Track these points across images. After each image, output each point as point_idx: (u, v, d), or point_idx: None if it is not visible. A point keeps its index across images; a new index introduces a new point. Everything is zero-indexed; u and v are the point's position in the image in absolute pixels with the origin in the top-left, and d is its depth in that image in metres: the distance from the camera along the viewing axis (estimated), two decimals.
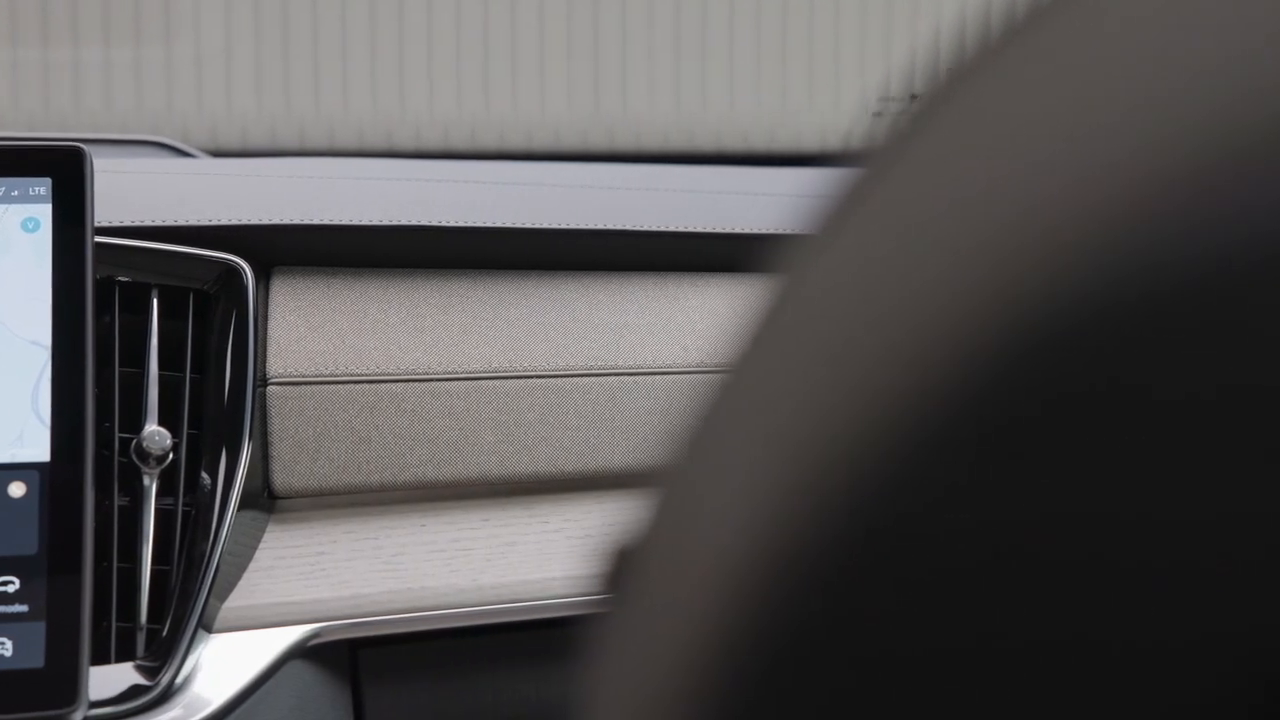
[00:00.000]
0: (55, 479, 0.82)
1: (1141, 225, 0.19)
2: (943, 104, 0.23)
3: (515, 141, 1.62)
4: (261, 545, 0.91)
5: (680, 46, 1.64)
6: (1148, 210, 0.19)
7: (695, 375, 1.02)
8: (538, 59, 1.62)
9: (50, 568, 0.81)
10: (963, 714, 0.20)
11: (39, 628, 0.80)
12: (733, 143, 1.65)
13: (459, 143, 1.66)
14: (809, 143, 1.68)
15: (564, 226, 1.02)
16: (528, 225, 1.01)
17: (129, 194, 0.96)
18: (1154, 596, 0.19)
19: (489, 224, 1.00)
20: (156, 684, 0.83)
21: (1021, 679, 0.20)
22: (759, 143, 1.66)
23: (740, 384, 0.25)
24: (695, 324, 1.04)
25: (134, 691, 0.83)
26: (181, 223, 0.94)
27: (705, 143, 1.63)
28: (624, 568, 0.27)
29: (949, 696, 0.20)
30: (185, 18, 1.61)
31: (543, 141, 1.62)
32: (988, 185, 0.21)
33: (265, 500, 0.92)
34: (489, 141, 1.65)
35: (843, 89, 1.70)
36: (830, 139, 1.70)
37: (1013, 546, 0.20)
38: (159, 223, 0.94)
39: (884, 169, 0.24)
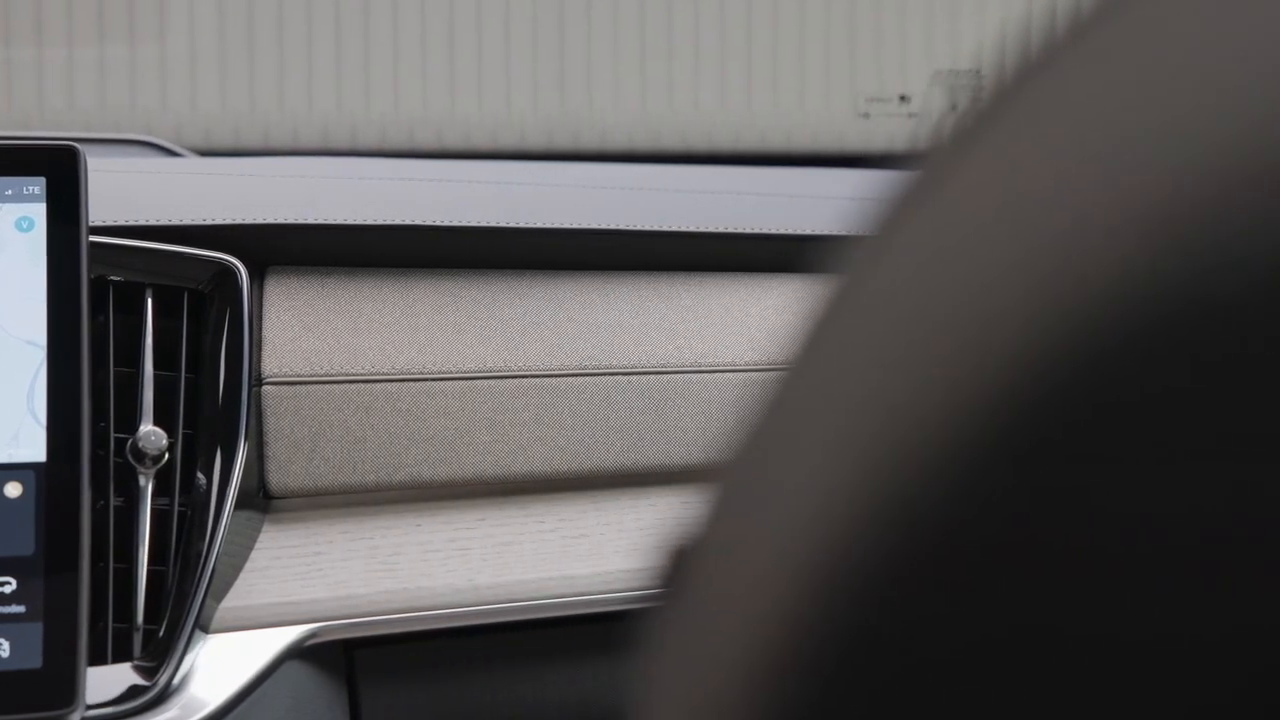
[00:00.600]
0: (51, 479, 0.82)
1: (1214, 225, 0.19)
2: (1006, 103, 0.23)
3: (508, 141, 1.62)
4: (257, 545, 0.91)
5: (673, 48, 1.64)
6: (1220, 210, 0.19)
7: (689, 375, 1.02)
8: (531, 59, 1.62)
9: (47, 568, 0.81)
10: (1025, 712, 0.20)
11: (36, 628, 0.80)
12: (725, 142, 1.65)
13: (452, 142, 1.65)
14: (799, 143, 1.68)
15: (558, 226, 1.02)
16: (522, 225, 1.01)
17: (120, 193, 0.96)
18: (1234, 590, 0.19)
19: (483, 224, 1.00)
20: (154, 684, 0.83)
21: (1089, 678, 0.20)
22: (750, 142, 1.66)
23: (800, 386, 0.25)
24: (689, 323, 1.04)
25: (131, 692, 0.83)
26: (175, 222, 0.94)
27: (698, 142, 1.63)
28: (680, 567, 0.27)
29: (1012, 696, 0.20)
30: (180, 17, 1.60)
31: (536, 141, 1.62)
32: (1056, 185, 0.21)
33: (260, 500, 0.92)
34: (481, 141, 1.65)
35: (833, 89, 1.71)
36: (821, 139, 1.70)
37: (1086, 545, 0.20)
38: (153, 222, 0.94)
39: (947, 170, 0.24)
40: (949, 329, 0.21)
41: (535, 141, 1.62)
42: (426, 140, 1.66)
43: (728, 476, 0.26)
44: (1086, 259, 0.20)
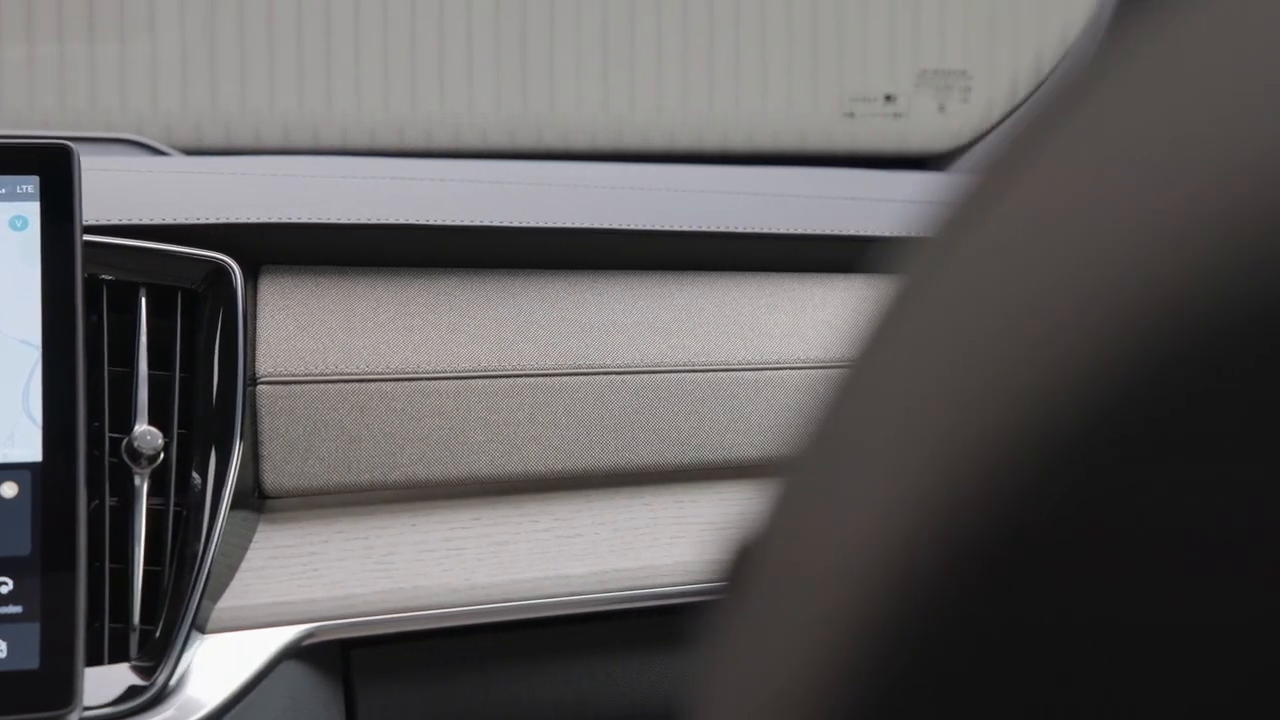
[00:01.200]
0: (48, 479, 0.82)
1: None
2: (1080, 100, 0.23)
3: (499, 140, 1.62)
4: (253, 545, 0.91)
5: (661, 48, 1.64)
6: None
7: (683, 374, 1.02)
8: (519, 58, 1.62)
9: (44, 568, 0.80)
10: (1113, 707, 0.20)
11: (33, 629, 0.79)
12: (713, 142, 1.65)
13: (441, 141, 1.65)
14: (786, 142, 1.68)
15: (554, 225, 1.02)
16: (517, 224, 1.01)
17: (111, 193, 0.95)
18: None
19: (478, 223, 1.00)
20: (152, 684, 0.83)
21: (1161, 672, 0.20)
22: (737, 142, 1.66)
23: (866, 383, 0.25)
24: (682, 323, 1.04)
25: (129, 693, 0.83)
26: (168, 221, 0.94)
27: (686, 142, 1.63)
28: (743, 564, 0.27)
29: (1082, 694, 0.20)
30: (171, 15, 1.60)
31: (525, 141, 1.62)
32: (1130, 183, 0.21)
33: (255, 500, 0.92)
34: (471, 140, 1.65)
35: (818, 89, 1.71)
36: (808, 139, 1.70)
37: (1161, 540, 0.20)
38: (146, 221, 0.93)
39: (1019, 169, 0.24)
40: (1022, 327, 0.21)
41: (524, 141, 1.61)
42: (416, 140, 1.65)
43: (792, 473, 0.26)
44: (1160, 258, 0.20)
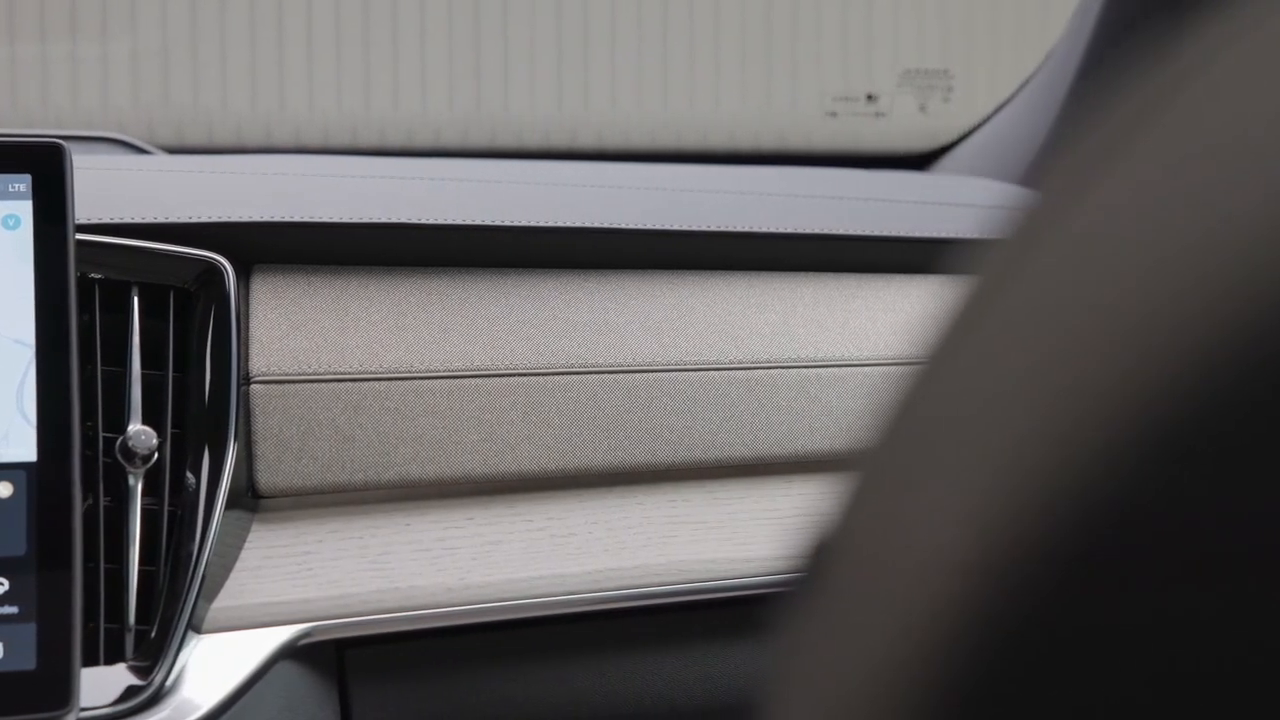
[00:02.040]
0: (43, 478, 0.81)
1: None
2: (1166, 101, 0.23)
3: (479, 140, 1.62)
4: (247, 545, 0.90)
5: (642, 48, 1.64)
6: None
7: (675, 373, 1.02)
8: (501, 58, 1.62)
9: (40, 569, 0.80)
10: (1205, 708, 0.20)
11: (30, 629, 0.79)
12: (693, 141, 1.65)
13: (423, 141, 1.65)
14: (768, 142, 1.69)
15: (544, 224, 1.02)
16: (508, 223, 1.01)
17: (99, 191, 0.95)
18: None
19: (469, 222, 1.00)
20: (149, 684, 0.82)
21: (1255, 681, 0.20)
22: (719, 142, 1.66)
23: (953, 378, 0.25)
24: (673, 321, 1.04)
25: (126, 693, 0.82)
26: (160, 220, 0.93)
27: (666, 141, 1.63)
28: (821, 562, 0.26)
29: (1170, 700, 0.20)
30: (153, 12, 1.59)
31: (506, 141, 1.62)
32: (1224, 177, 0.21)
33: (249, 499, 0.92)
34: (452, 139, 1.65)
35: (800, 89, 1.71)
36: (790, 139, 1.71)
37: (1261, 544, 0.20)
38: (137, 220, 0.93)
39: (1110, 163, 0.24)
40: (1118, 318, 0.21)
41: (505, 141, 1.61)
42: (397, 139, 1.65)
43: (870, 468, 0.26)
44: (1262, 248, 0.20)
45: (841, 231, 1.12)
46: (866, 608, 0.24)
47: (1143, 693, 0.21)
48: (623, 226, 1.05)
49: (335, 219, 0.97)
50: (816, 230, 1.11)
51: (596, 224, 1.04)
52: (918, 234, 1.15)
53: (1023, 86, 1.54)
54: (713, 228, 1.07)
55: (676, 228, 1.06)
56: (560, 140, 1.61)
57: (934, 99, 1.72)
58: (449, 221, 0.99)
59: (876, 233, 1.14)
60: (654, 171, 1.21)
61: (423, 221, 0.99)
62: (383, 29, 1.64)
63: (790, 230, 1.10)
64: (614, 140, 1.62)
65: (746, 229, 1.08)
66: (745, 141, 1.67)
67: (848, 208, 1.17)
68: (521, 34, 1.63)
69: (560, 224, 1.02)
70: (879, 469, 0.26)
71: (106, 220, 0.92)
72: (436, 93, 1.63)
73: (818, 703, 0.25)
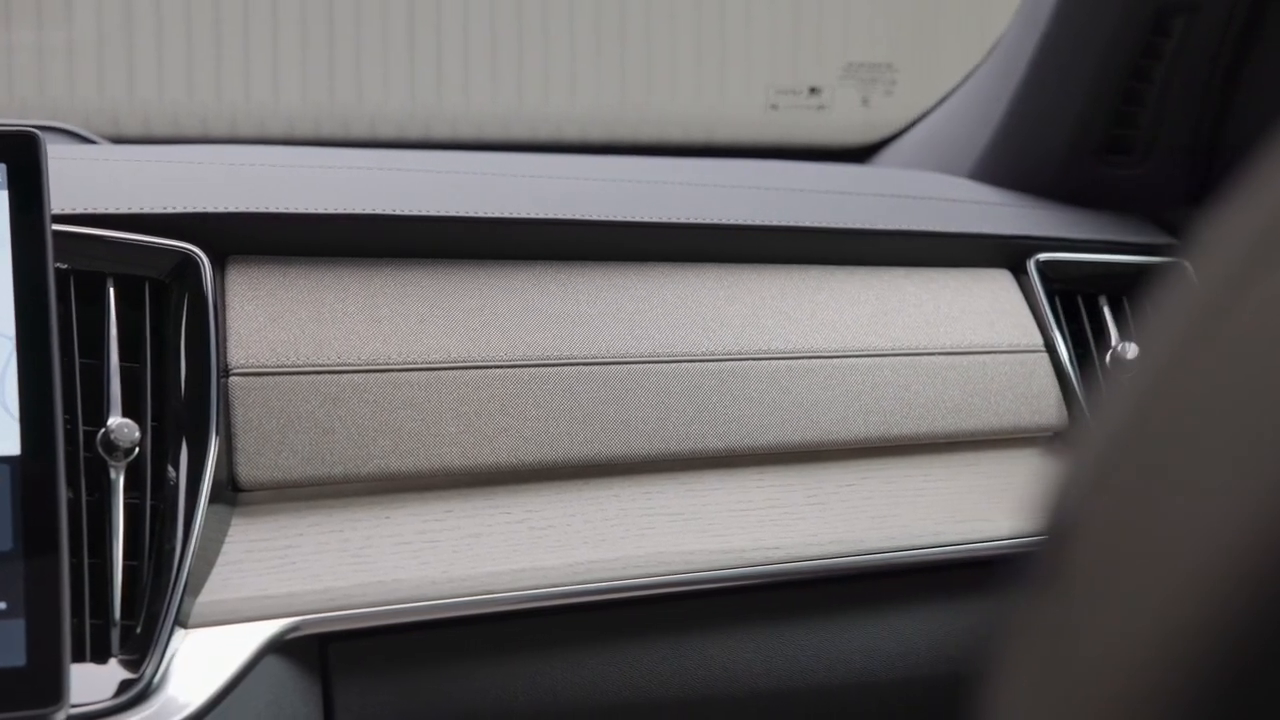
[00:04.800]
0: (27, 472, 0.80)
1: None
2: None
3: (414, 132, 1.62)
4: (228, 539, 0.89)
5: (600, 44, 1.64)
6: None
7: (648, 365, 1.02)
8: (469, 53, 1.61)
9: (27, 563, 0.78)
10: None
11: (19, 625, 0.77)
12: (649, 135, 1.65)
13: (358, 133, 1.64)
14: (720, 135, 1.69)
15: (518, 216, 1.02)
16: (489, 215, 1.01)
17: (58, 182, 0.93)
18: None
19: (446, 213, 1.00)
20: (139, 679, 0.81)
21: None
22: (674, 135, 1.66)
23: (1207, 382, 0.25)
24: (645, 313, 1.04)
25: (116, 689, 0.81)
26: (135, 210, 0.92)
27: (624, 134, 1.63)
28: (1061, 555, 0.26)
29: None
30: (88, 3, 1.57)
31: (466, 132, 1.61)
32: None
33: (229, 493, 0.90)
34: (387, 132, 1.64)
35: (745, 81, 1.71)
36: (733, 132, 1.71)
37: None
38: (111, 210, 0.92)
39: None
40: None
41: (465, 133, 1.61)
42: (333, 130, 1.64)
43: (1123, 464, 0.26)
44: None
45: (811, 224, 1.12)
46: (1121, 612, 0.24)
47: None
48: (593, 218, 1.04)
49: (314, 210, 0.96)
50: (786, 223, 1.11)
51: (566, 216, 1.04)
52: (894, 227, 1.16)
53: (963, 81, 1.55)
54: (673, 219, 1.07)
55: (650, 220, 1.06)
56: (518, 134, 1.61)
57: (876, 92, 1.73)
58: (430, 213, 0.99)
59: (853, 225, 1.14)
60: (622, 164, 1.21)
61: (405, 213, 0.98)
62: (319, 19, 1.63)
63: (760, 223, 1.10)
64: (571, 134, 1.62)
65: (706, 220, 1.08)
66: (698, 134, 1.67)
67: (813, 200, 1.17)
68: (479, 31, 1.62)
69: (533, 215, 1.02)
70: (1134, 465, 0.25)
71: (81, 211, 0.91)
72: (371, 85, 1.62)
73: (1059, 687, 0.25)
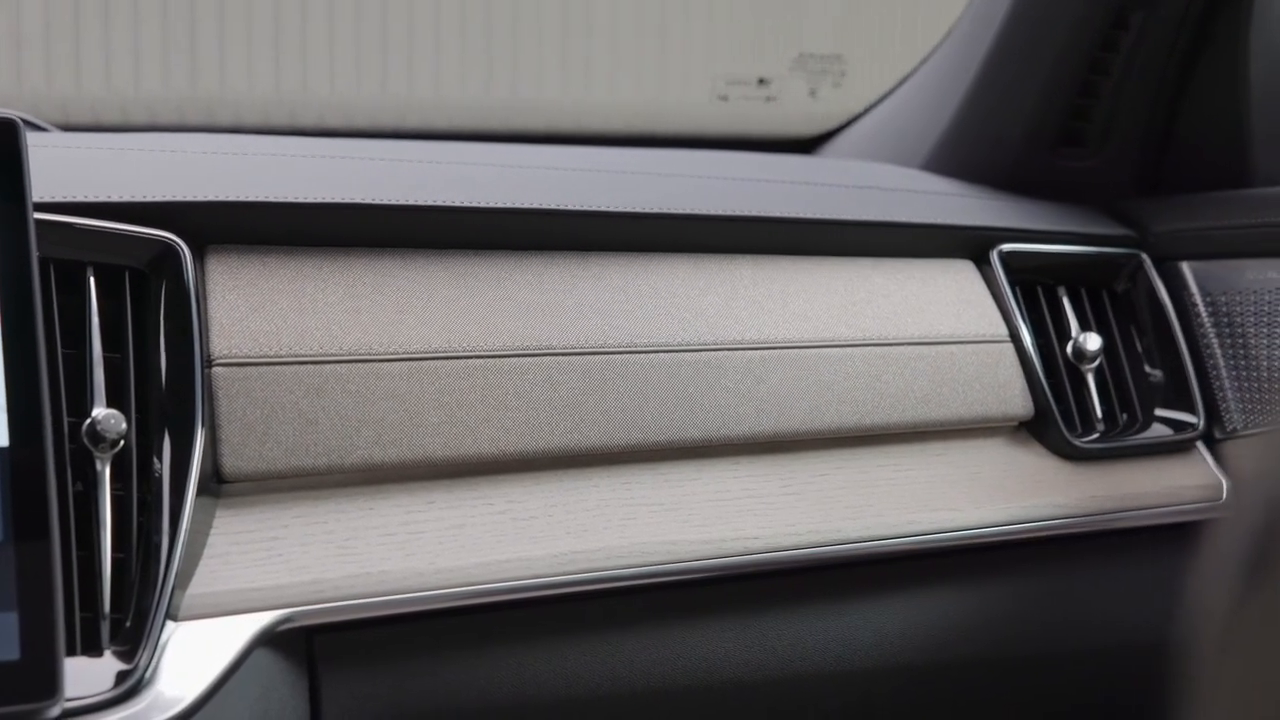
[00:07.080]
0: (16, 462, 0.79)
1: None
2: None
3: (387, 121, 1.60)
4: (214, 530, 0.88)
5: (542, 35, 1.64)
6: None
7: (626, 355, 1.02)
8: (433, 43, 1.61)
9: (19, 556, 0.77)
10: None
11: (11, 619, 0.76)
12: (595, 125, 1.65)
13: (305, 121, 1.63)
14: (667, 126, 1.69)
15: (492, 205, 1.01)
16: (472, 204, 1.00)
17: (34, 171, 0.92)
18: None
19: (427, 202, 0.99)
20: (133, 673, 0.80)
21: None
22: (619, 125, 1.66)
23: None
24: (620, 304, 1.04)
25: (110, 682, 0.80)
26: (115, 199, 0.91)
27: (592, 125, 1.63)
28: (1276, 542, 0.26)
29: None
30: None
31: (415, 121, 1.60)
32: None
33: (213, 484, 0.90)
34: (335, 122, 1.63)
35: (692, 73, 1.72)
36: (682, 122, 1.71)
37: None
38: (91, 199, 0.90)
39: None
40: None
41: (414, 121, 1.60)
42: (281, 119, 1.63)
43: None
44: None
45: (783, 214, 1.13)
46: None
47: None
48: (569, 208, 1.04)
49: (296, 199, 0.95)
50: (759, 214, 1.11)
51: (543, 205, 1.03)
52: (866, 218, 1.17)
53: (912, 73, 1.56)
54: (641, 209, 1.07)
55: (623, 209, 1.06)
56: (468, 123, 1.60)
57: (825, 84, 1.74)
58: (411, 202, 0.98)
59: (827, 216, 1.15)
60: (584, 155, 1.21)
61: (390, 202, 0.97)
62: (264, 6, 1.61)
63: (731, 213, 1.10)
64: (518, 123, 1.62)
65: (672, 210, 1.08)
66: (644, 124, 1.68)
67: (781, 191, 1.18)
68: (459, 23, 1.61)
69: (507, 205, 1.02)
70: None
71: (59, 199, 0.89)
72: (317, 74, 1.61)
73: (1274, 667, 0.24)
